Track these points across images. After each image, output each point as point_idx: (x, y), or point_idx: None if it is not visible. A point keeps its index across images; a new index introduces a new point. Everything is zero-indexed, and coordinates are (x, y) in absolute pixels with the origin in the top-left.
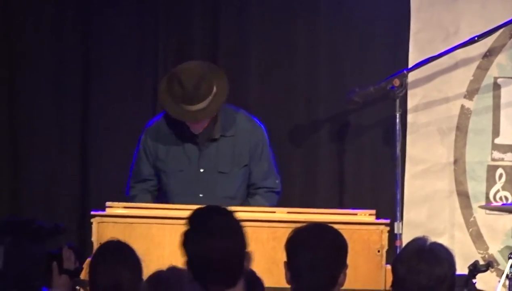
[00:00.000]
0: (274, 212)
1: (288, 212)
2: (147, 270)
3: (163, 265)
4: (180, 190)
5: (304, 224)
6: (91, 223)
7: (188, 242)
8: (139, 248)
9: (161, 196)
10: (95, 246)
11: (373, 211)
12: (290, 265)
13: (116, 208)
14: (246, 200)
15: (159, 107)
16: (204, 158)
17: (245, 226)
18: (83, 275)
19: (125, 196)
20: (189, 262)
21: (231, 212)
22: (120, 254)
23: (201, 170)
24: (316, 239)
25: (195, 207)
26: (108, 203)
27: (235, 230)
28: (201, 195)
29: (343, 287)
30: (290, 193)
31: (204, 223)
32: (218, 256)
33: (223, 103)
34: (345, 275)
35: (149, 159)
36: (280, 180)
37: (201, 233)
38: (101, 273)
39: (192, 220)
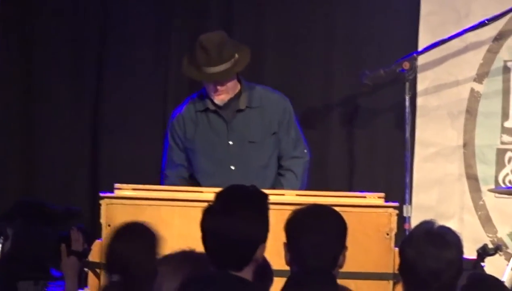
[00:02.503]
0: (283, 195)
1: (297, 195)
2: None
3: (172, 247)
4: (211, 167)
5: (303, 206)
6: (100, 205)
7: (205, 217)
8: None
9: (194, 177)
10: (104, 227)
11: (382, 194)
12: (291, 247)
13: (124, 190)
14: (278, 181)
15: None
16: (232, 131)
17: None
18: (92, 256)
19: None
20: (203, 238)
21: (260, 198)
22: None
23: (230, 143)
24: (320, 221)
25: (205, 189)
26: (116, 185)
27: (253, 215)
28: (232, 167)
29: (353, 270)
30: None
31: (224, 201)
32: (228, 236)
33: (245, 66)
34: (344, 256)
35: (178, 145)
36: (308, 149)
37: (217, 210)
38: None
39: (216, 196)
